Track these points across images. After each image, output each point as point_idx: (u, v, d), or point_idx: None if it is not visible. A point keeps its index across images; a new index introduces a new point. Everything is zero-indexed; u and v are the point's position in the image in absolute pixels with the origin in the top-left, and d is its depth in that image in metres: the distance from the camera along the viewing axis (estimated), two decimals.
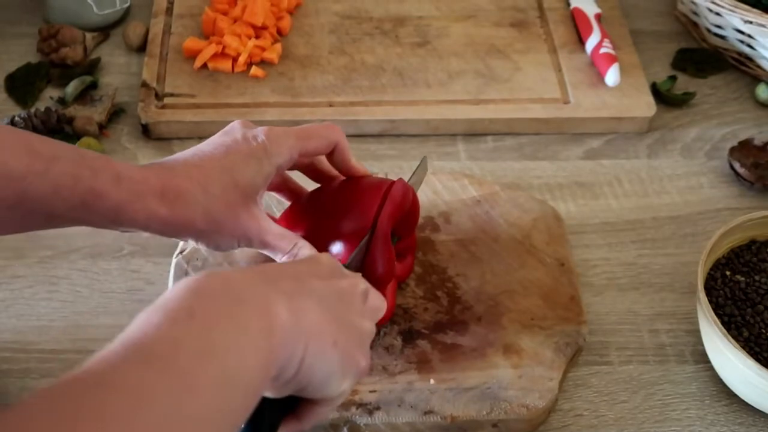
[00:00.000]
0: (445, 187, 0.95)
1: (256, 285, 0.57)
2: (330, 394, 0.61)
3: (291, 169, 0.78)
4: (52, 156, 0.65)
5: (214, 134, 1.02)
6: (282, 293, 0.57)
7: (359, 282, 0.66)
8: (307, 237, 0.77)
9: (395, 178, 0.80)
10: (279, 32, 1.13)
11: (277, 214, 0.86)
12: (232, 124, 0.76)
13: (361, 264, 0.77)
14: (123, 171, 0.68)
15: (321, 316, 0.59)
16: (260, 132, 0.74)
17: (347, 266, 0.73)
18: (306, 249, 0.76)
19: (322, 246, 0.77)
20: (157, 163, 0.72)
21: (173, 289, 0.53)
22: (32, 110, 1.01)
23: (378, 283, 0.76)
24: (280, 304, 0.56)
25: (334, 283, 0.63)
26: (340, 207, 0.78)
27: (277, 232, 0.75)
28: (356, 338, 0.63)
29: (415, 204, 0.82)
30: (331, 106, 1.05)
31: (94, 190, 0.67)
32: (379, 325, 0.81)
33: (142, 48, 1.13)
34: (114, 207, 0.68)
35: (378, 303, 0.68)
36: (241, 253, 0.86)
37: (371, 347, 0.81)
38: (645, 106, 1.06)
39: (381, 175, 0.95)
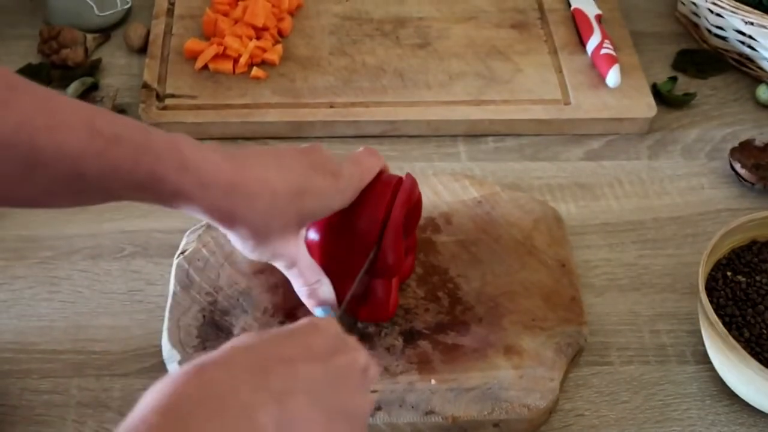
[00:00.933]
0: (446, 188, 0.95)
1: (241, 387, 0.52)
2: None
3: None
4: (114, 136, 0.63)
5: (214, 136, 1.03)
6: (270, 398, 0.53)
7: (359, 356, 0.62)
8: (323, 235, 0.78)
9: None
10: (280, 33, 1.13)
11: None
12: (311, 145, 0.76)
13: (363, 292, 0.78)
14: (190, 159, 0.66)
15: (314, 417, 0.55)
16: (340, 170, 0.74)
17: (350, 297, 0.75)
18: (326, 288, 0.77)
19: (336, 245, 0.78)
20: (233, 154, 0.70)
21: (147, 396, 0.50)
22: None
23: (387, 272, 0.77)
24: (267, 415, 0.52)
25: (331, 365, 0.59)
26: (352, 203, 0.78)
27: (306, 263, 0.76)
28: (353, 426, 0.59)
29: (419, 200, 0.82)
30: (331, 107, 1.05)
31: (155, 174, 0.65)
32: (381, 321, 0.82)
33: (143, 49, 1.13)
34: (172, 193, 0.66)
35: (376, 373, 0.65)
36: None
37: (373, 347, 0.81)
38: (645, 107, 1.06)
39: None
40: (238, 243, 0.73)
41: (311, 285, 0.77)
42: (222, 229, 0.72)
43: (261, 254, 0.74)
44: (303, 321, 0.61)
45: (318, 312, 0.78)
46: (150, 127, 0.67)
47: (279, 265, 0.76)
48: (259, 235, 0.72)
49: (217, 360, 0.54)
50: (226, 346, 0.56)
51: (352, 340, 0.63)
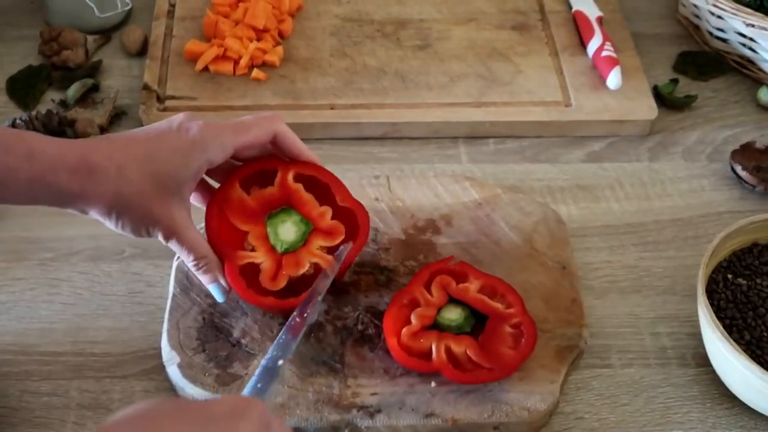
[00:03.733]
0: (447, 189, 0.95)
1: None
2: None
3: (238, 160, 0.79)
4: None
5: None
6: None
7: None
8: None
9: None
10: (280, 35, 1.13)
11: None
12: (178, 114, 0.77)
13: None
14: (37, 146, 0.69)
15: None
16: (194, 125, 0.74)
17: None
18: (212, 270, 0.77)
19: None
20: (83, 139, 0.73)
21: None
22: (33, 113, 1.01)
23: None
24: None
25: None
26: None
27: (189, 236, 0.76)
28: None
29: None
30: (332, 108, 1.05)
31: (8, 166, 0.68)
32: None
33: (140, 53, 1.13)
34: (27, 181, 0.69)
35: None
36: None
37: (373, 350, 0.81)
38: (646, 109, 1.06)
39: (383, 178, 0.95)
40: (107, 222, 0.74)
41: (196, 261, 0.77)
42: (89, 214, 0.73)
43: (131, 229, 0.75)
44: (229, 399, 0.61)
45: (212, 289, 0.79)
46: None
47: (158, 238, 0.76)
48: (116, 208, 0.73)
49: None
50: (136, 412, 0.56)
51: (277, 425, 0.61)
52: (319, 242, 0.81)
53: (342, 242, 0.81)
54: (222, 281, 0.78)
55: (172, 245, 0.76)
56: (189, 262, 0.78)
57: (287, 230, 0.81)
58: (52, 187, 0.70)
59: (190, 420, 0.57)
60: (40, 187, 0.70)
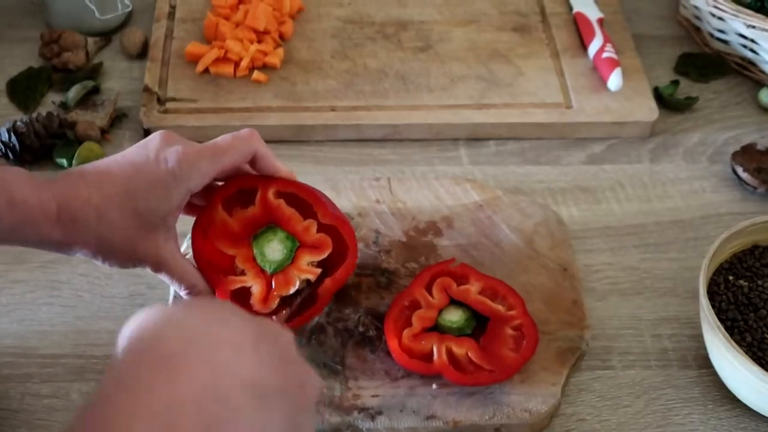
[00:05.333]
0: (448, 191, 0.95)
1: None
2: None
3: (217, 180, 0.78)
4: None
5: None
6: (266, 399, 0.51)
7: (315, 380, 0.59)
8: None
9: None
10: (281, 37, 1.13)
11: None
12: (152, 135, 0.75)
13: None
14: (17, 194, 0.68)
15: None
16: (172, 155, 0.72)
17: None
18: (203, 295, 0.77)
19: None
20: (61, 179, 0.71)
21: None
22: (34, 115, 1.01)
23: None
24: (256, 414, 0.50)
25: (289, 368, 0.55)
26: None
27: (178, 267, 0.75)
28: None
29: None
30: (333, 110, 1.05)
31: None
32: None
33: (140, 55, 1.12)
34: (8, 229, 0.69)
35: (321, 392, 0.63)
36: None
37: (373, 352, 0.81)
38: (647, 110, 1.06)
39: (384, 180, 0.95)
40: (95, 262, 0.74)
41: (187, 291, 0.77)
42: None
43: (119, 266, 0.75)
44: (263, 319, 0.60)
45: None
46: None
47: (147, 269, 0.75)
48: (103, 251, 0.72)
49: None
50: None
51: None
52: (307, 258, 0.79)
53: (330, 255, 0.79)
54: None
55: (162, 277, 0.76)
56: (180, 292, 0.77)
57: (274, 249, 0.79)
58: (34, 237, 0.70)
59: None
60: (22, 235, 0.70)
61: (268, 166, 0.78)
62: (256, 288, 0.78)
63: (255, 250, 0.79)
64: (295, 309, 0.78)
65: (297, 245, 0.79)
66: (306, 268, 0.78)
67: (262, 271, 0.79)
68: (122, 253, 0.73)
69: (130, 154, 0.74)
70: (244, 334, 0.53)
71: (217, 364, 0.50)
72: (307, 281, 0.78)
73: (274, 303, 0.78)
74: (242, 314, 0.55)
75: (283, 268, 0.79)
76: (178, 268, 0.76)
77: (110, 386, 0.48)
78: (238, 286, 0.78)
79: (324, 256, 0.79)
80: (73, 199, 0.70)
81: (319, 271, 0.78)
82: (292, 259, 0.79)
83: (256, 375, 0.51)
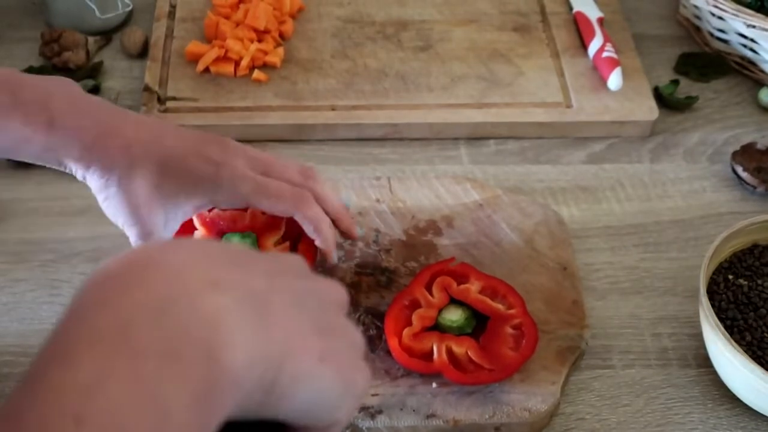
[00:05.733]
0: (448, 191, 0.95)
1: (200, 276, 0.40)
2: (322, 421, 0.45)
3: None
4: None
5: None
6: (240, 288, 0.41)
7: (342, 288, 0.50)
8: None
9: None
10: (281, 36, 1.13)
11: None
12: (225, 138, 0.76)
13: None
14: (57, 115, 0.70)
15: (301, 324, 0.44)
16: (227, 170, 0.73)
17: None
18: None
19: None
20: (109, 111, 0.73)
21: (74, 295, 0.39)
22: None
23: None
24: (236, 310, 0.39)
25: (312, 285, 0.47)
26: None
27: (140, 229, 0.73)
28: (349, 350, 0.47)
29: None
30: (333, 110, 1.05)
31: (24, 137, 0.69)
32: None
33: (140, 54, 1.13)
34: (40, 151, 0.71)
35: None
36: None
37: (374, 351, 0.81)
38: (647, 110, 1.06)
39: (384, 180, 0.95)
40: (91, 177, 0.73)
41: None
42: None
43: (113, 208, 0.73)
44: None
45: None
46: (24, 79, 0.71)
47: (131, 233, 0.73)
48: (111, 186, 0.72)
49: (170, 245, 0.42)
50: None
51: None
52: (270, 240, 0.80)
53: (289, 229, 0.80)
54: None
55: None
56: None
57: None
58: (62, 159, 0.71)
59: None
60: (51, 156, 0.71)
61: (309, 231, 0.78)
62: None
63: None
64: None
65: (253, 236, 0.81)
66: (275, 248, 0.80)
67: None
68: (124, 199, 0.72)
69: (198, 139, 0.74)
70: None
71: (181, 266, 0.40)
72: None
73: None
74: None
75: None
76: (142, 230, 0.74)
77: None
78: None
79: (282, 230, 0.80)
80: (113, 135, 0.71)
81: (287, 244, 0.80)
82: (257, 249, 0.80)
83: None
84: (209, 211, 0.81)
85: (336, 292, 0.49)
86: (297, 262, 0.48)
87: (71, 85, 0.74)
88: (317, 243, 0.79)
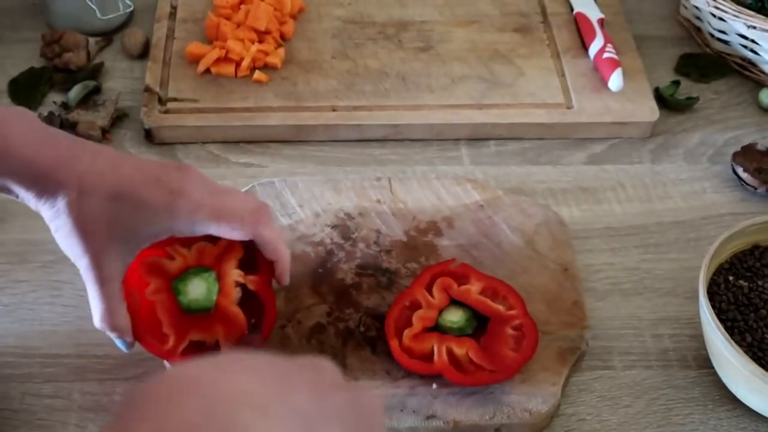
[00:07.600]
0: (448, 191, 0.95)
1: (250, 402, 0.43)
2: None
3: None
4: None
5: (216, 139, 1.03)
6: (288, 413, 0.44)
7: (378, 394, 0.56)
8: None
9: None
10: (282, 37, 1.13)
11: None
12: (192, 169, 0.74)
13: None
14: (13, 142, 0.69)
15: None
16: (185, 186, 0.72)
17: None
18: (121, 320, 0.74)
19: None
20: (69, 143, 0.72)
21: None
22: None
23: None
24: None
25: (351, 396, 0.50)
26: None
27: (111, 287, 0.72)
28: None
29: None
30: (334, 110, 1.05)
31: None
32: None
33: (141, 55, 1.13)
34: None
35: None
36: None
37: (375, 352, 0.81)
38: (648, 111, 1.06)
39: (384, 180, 0.95)
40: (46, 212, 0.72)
41: (104, 309, 0.73)
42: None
43: (63, 238, 0.72)
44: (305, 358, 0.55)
45: (117, 342, 0.76)
46: None
47: (80, 264, 0.72)
48: (65, 221, 0.71)
49: (214, 367, 0.44)
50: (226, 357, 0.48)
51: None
52: (230, 266, 0.77)
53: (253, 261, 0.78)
54: (120, 331, 0.75)
55: (88, 282, 0.73)
56: (95, 316, 0.74)
57: (195, 286, 0.77)
58: (12, 188, 0.70)
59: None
60: (1, 184, 0.70)
61: (268, 254, 0.77)
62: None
63: (178, 298, 0.77)
64: (255, 319, 0.77)
65: (213, 273, 0.78)
66: (239, 280, 0.77)
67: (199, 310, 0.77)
68: (70, 233, 0.71)
69: (151, 166, 0.73)
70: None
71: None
72: (242, 285, 0.77)
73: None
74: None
75: (214, 295, 0.77)
76: (107, 288, 0.73)
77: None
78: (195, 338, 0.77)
79: (240, 253, 0.78)
80: (64, 168, 0.70)
81: (241, 273, 0.77)
82: (217, 291, 0.77)
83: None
84: (158, 253, 0.78)
85: (371, 399, 0.52)
86: (332, 370, 0.51)
87: (30, 117, 0.72)
88: (276, 265, 0.77)
